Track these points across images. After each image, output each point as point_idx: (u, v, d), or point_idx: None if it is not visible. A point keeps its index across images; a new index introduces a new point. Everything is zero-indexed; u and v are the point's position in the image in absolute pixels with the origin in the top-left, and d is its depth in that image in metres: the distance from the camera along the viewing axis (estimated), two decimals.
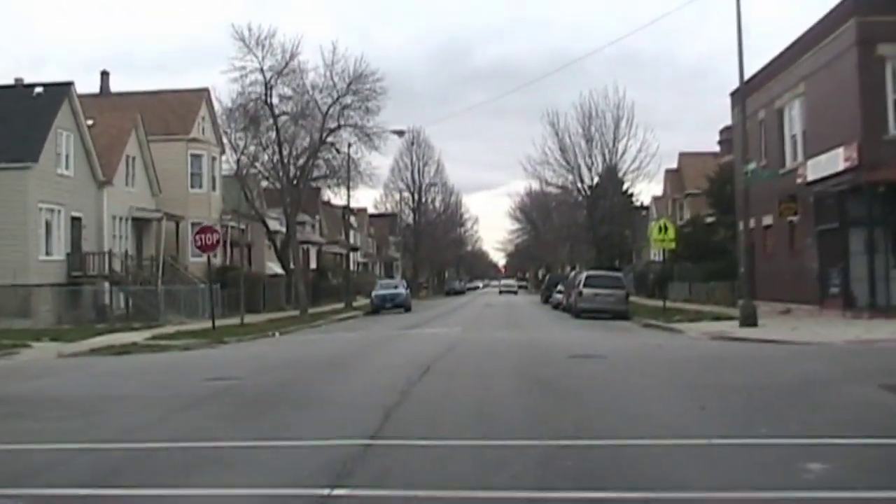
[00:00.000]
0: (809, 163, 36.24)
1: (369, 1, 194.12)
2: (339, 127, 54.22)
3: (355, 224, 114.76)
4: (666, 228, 40.40)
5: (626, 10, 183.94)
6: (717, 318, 35.55)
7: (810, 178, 36.10)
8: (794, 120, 39.30)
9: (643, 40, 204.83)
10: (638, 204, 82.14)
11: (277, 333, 34.90)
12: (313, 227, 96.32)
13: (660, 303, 55.65)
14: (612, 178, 70.09)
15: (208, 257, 36.88)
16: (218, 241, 34.85)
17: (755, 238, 44.44)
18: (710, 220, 65.91)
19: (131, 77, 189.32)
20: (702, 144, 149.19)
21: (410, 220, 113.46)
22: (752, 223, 44.66)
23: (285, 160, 53.88)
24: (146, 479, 8.16)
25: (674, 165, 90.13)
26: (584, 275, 45.95)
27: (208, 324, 41.54)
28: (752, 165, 33.30)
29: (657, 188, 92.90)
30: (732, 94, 48.18)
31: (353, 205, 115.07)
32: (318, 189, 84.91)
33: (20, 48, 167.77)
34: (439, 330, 33.35)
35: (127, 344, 28.23)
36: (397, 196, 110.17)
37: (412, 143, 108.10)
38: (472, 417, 11.29)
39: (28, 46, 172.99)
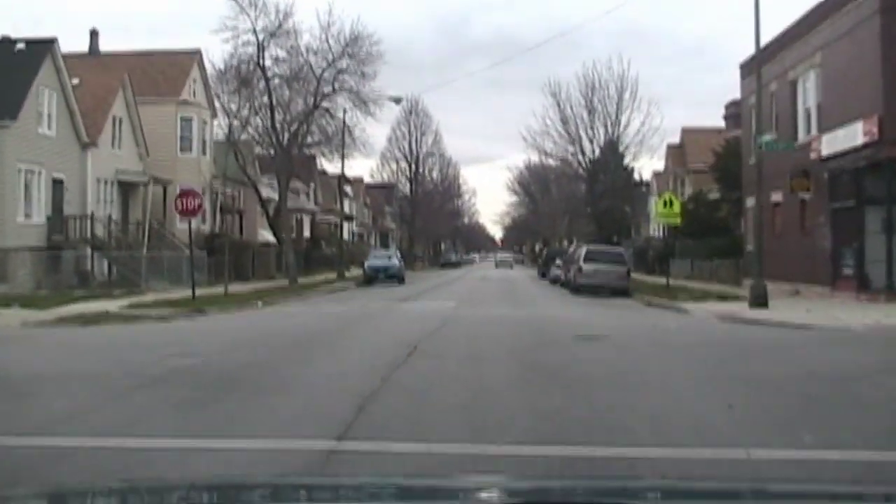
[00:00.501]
0: (825, 137, 34.52)
1: None
2: (333, 91, 52.30)
3: (351, 193, 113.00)
4: (671, 203, 38.65)
5: None
6: (724, 297, 33.80)
7: (825, 152, 34.39)
8: (809, 92, 37.54)
9: (643, 14, 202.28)
10: (638, 179, 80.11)
11: (260, 304, 33.19)
12: (308, 195, 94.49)
13: (661, 280, 54.07)
14: (613, 151, 68.22)
15: (189, 222, 35.05)
16: (200, 206, 33.04)
17: (763, 216, 42.76)
18: (713, 196, 64.16)
19: (125, 42, 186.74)
20: (702, 120, 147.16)
21: (407, 190, 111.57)
22: (752, 202, 43.06)
23: (277, 125, 51.97)
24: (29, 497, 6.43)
25: (676, 140, 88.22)
26: (584, 249, 44.21)
27: (198, 291, 39.98)
28: (767, 137, 31.49)
29: (658, 164, 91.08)
30: (742, 66, 46.41)
31: (349, 174, 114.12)
32: (314, 157, 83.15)
33: (15, 9, 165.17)
34: (432, 303, 31.64)
35: (99, 313, 26.50)
36: (394, 166, 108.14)
37: (410, 113, 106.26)
38: (461, 413, 9.60)
39: (23, 8, 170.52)
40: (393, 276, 56.17)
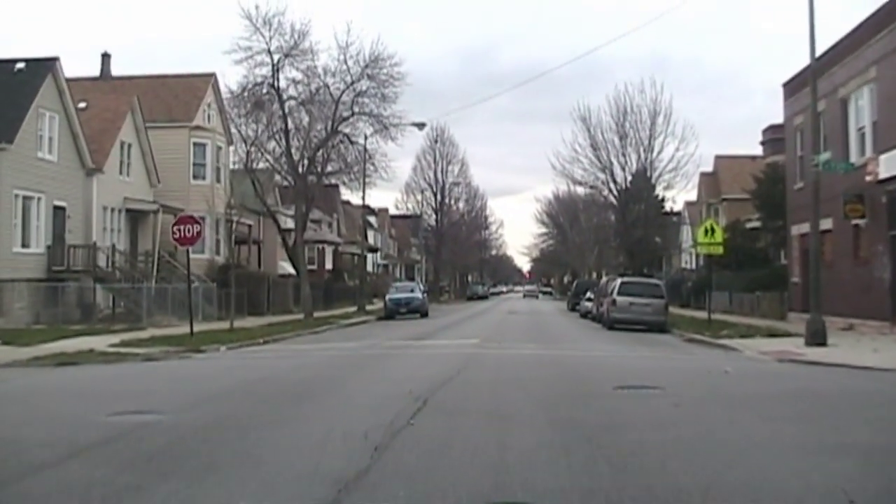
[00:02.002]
0: (882, 157, 31.66)
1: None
2: (352, 115, 49.65)
3: (376, 224, 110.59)
4: (713, 231, 35.78)
5: (654, 10, 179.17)
6: (773, 333, 30.84)
7: (883, 174, 31.55)
8: (863, 109, 34.70)
9: (667, 45, 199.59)
10: (668, 209, 76.83)
11: (262, 340, 30.55)
12: (330, 225, 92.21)
13: (697, 313, 51.19)
14: (645, 179, 65.16)
15: (187, 252, 32.45)
16: (199, 234, 30.39)
17: (810, 244, 39.80)
18: (751, 224, 61.16)
19: (141, 68, 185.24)
20: (732, 149, 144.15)
21: (433, 221, 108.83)
22: (805, 228, 40.07)
23: (294, 150, 49.37)
24: None
25: (709, 169, 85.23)
26: (618, 281, 41.31)
27: (199, 327, 37.63)
28: (825, 155, 28.58)
29: (690, 194, 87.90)
30: (786, 85, 43.55)
31: (373, 205, 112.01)
32: (336, 187, 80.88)
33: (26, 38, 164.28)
34: (453, 342, 28.79)
35: (82, 352, 23.91)
36: (419, 196, 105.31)
37: (435, 141, 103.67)
38: None
39: (35, 39, 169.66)
40: (416, 311, 53.47)
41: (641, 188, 65.89)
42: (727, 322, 38.51)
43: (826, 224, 37.04)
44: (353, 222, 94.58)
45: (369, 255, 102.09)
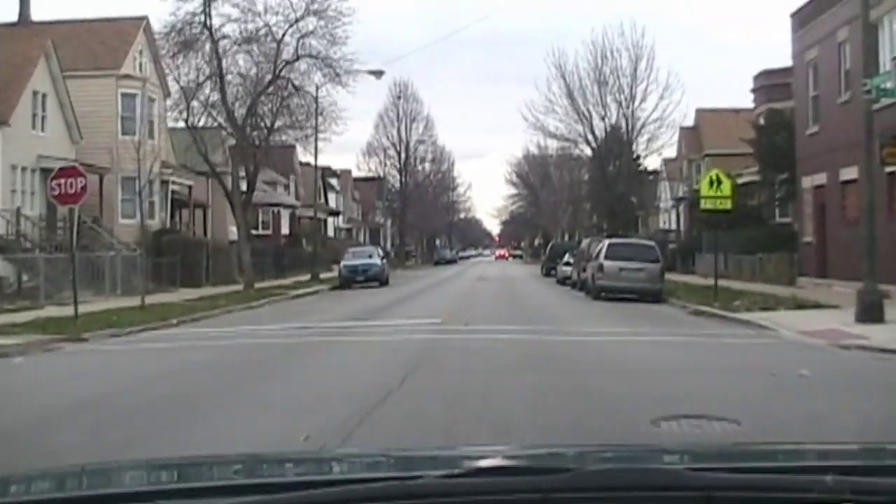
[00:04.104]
0: None
1: None
2: (297, 59, 43.59)
3: (337, 187, 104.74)
4: (719, 182, 30.06)
5: None
6: (801, 305, 25.23)
7: None
8: None
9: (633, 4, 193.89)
10: (642, 168, 71.04)
11: (175, 322, 24.83)
12: (287, 188, 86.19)
13: (689, 278, 45.79)
14: (626, 132, 59.42)
15: (71, 212, 26.73)
16: (83, 190, 24.40)
17: (826, 198, 34.38)
18: (744, 179, 55.60)
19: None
20: (710, 103, 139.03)
21: (397, 182, 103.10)
22: (821, 179, 34.65)
23: (228, 97, 43.38)
24: None
25: (689, 123, 79.67)
26: (605, 243, 35.62)
27: (117, 302, 32.01)
28: (884, 78, 22.86)
29: (669, 150, 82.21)
30: (795, 16, 37.85)
31: (336, 167, 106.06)
32: (293, 147, 75.15)
33: None
34: (409, 321, 22.82)
35: None
36: (381, 156, 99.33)
37: (398, 97, 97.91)
38: None
39: None
40: (374, 279, 47.77)
41: (623, 141, 60.34)
42: (732, 289, 33.04)
43: (849, 173, 31.61)
44: (313, 184, 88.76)
45: (331, 220, 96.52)
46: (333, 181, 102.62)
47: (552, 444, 6.59)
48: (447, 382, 11.66)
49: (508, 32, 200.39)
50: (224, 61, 42.55)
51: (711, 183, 30.00)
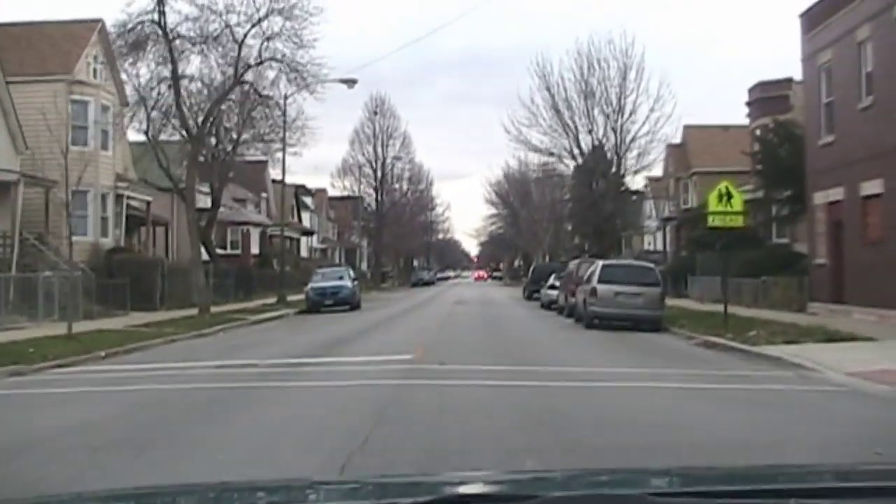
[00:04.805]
0: None
1: None
2: (261, 62, 39.97)
3: (312, 206, 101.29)
4: (729, 196, 26.60)
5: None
6: (831, 337, 21.72)
7: None
8: None
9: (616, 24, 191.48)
10: (624, 188, 67.41)
11: (104, 355, 21.21)
12: (258, 205, 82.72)
13: (684, 303, 42.24)
14: (615, 146, 55.99)
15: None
16: None
17: (843, 215, 31.01)
18: (749, 196, 52.28)
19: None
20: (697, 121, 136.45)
21: (373, 201, 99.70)
22: (836, 194, 31.30)
23: (183, 102, 39.79)
24: None
25: (676, 140, 76.38)
26: (598, 265, 32.01)
27: (50, 329, 28.39)
28: None
29: (654, 169, 78.80)
30: (805, 16, 34.52)
31: (311, 185, 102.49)
32: (265, 163, 71.94)
33: None
34: (373, 358, 19.11)
35: None
36: (357, 173, 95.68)
37: (374, 113, 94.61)
38: None
39: None
40: (344, 302, 44.22)
41: (608, 159, 56.98)
42: (739, 316, 29.67)
43: (872, 187, 28.32)
44: (286, 202, 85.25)
45: (304, 239, 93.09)
46: (308, 200, 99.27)
47: (520, 471, 6.50)
48: (407, 472, 7.99)
49: (488, 54, 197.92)
50: (179, 64, 38.91)
51: (721, 197, 26.58)
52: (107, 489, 4.24)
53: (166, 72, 39.56)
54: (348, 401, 12.64)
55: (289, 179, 70.28)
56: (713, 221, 27.04)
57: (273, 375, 16.44)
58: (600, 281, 29.83)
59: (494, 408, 11.93)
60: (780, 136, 40.81)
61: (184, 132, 40.80)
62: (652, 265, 35.13)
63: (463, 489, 3.01)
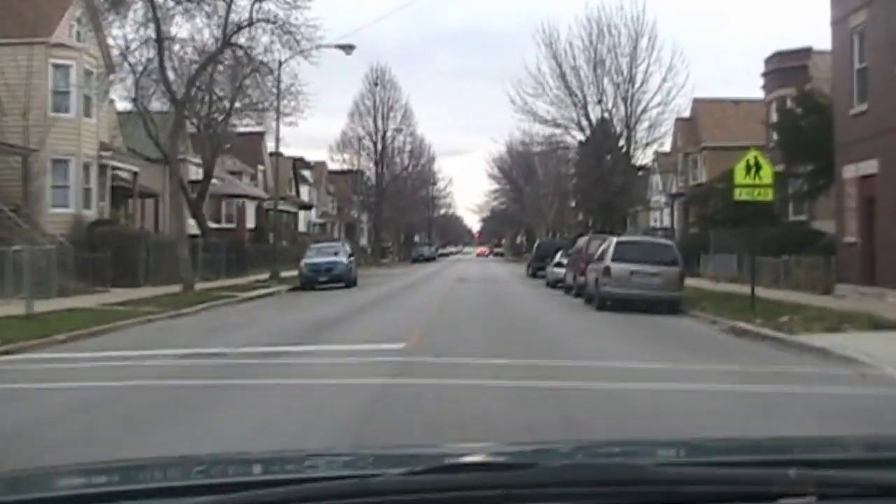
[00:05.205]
0: None
1: None
2: (251, 23, 37.55)
3: (311, 179, 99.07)
4: (758, 167, 24.22)
5: None
6: (877, 324, 19.40)
7: None
8: None
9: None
10: (635, 162, 65.14)
11: (63, 338, 18.99)
12: (254, 178, 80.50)
13: (699, 282, 39.92)
14: (625, 117, 53.61)
15: None
16: None
17: (877, 190, 28.64)
18: (774, 170, 49.93)
19: None
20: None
21: (373, 174, 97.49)
22: (868, 168, 28.94)
23: (173, 66, 37.50)
24: None
25: (685, 114, 73.93)
26: (612, 242, 29.56)
27: (16, 308, 26.06)
28: None
29: (662, 144, 76.32)
30: None
31: (309, 158, 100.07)
32: (262, 135, 69.63)
33: None
34: (363, 347, 16.80)
35: None
36: (356, 145, 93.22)
37: (375, 84, 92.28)
38: None
39: None
40: (339, 279, 42.01)
41: (617, 133, 54.66)
42: (763, 298, 27.28)
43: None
44: (283, 175, 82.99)
45: (303, 213, 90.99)
46: (307, 173, 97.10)
47: (518, 442, 6.49)
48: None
49: (487, 29, 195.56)
50: (166, 26, 36.59)
51: (749, 169, 24.16)
52: (98, 461, 3.75)
53: (152, 33, 37.30)
54: (323, 405, 10.40)
55: (287, 152, 68.28)
56: (740, 195, 24.59)
57: (239, 370, 14.10)
58: (614, 259, 27.47)
59: (499, 421, 9.63)
60: (805, 107, 38.35)
61: (169, 96, 38.39)
62: (670, 242, 32.85)
63: (462, 459, 2.96)
